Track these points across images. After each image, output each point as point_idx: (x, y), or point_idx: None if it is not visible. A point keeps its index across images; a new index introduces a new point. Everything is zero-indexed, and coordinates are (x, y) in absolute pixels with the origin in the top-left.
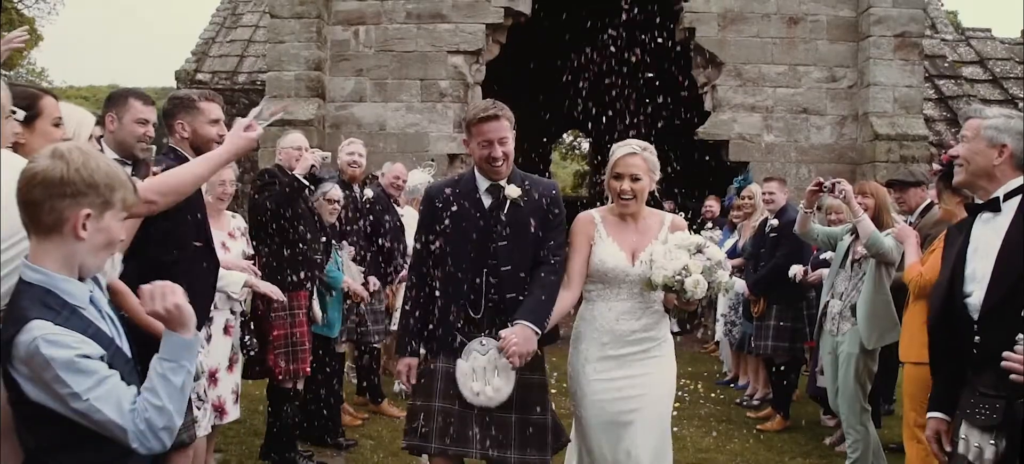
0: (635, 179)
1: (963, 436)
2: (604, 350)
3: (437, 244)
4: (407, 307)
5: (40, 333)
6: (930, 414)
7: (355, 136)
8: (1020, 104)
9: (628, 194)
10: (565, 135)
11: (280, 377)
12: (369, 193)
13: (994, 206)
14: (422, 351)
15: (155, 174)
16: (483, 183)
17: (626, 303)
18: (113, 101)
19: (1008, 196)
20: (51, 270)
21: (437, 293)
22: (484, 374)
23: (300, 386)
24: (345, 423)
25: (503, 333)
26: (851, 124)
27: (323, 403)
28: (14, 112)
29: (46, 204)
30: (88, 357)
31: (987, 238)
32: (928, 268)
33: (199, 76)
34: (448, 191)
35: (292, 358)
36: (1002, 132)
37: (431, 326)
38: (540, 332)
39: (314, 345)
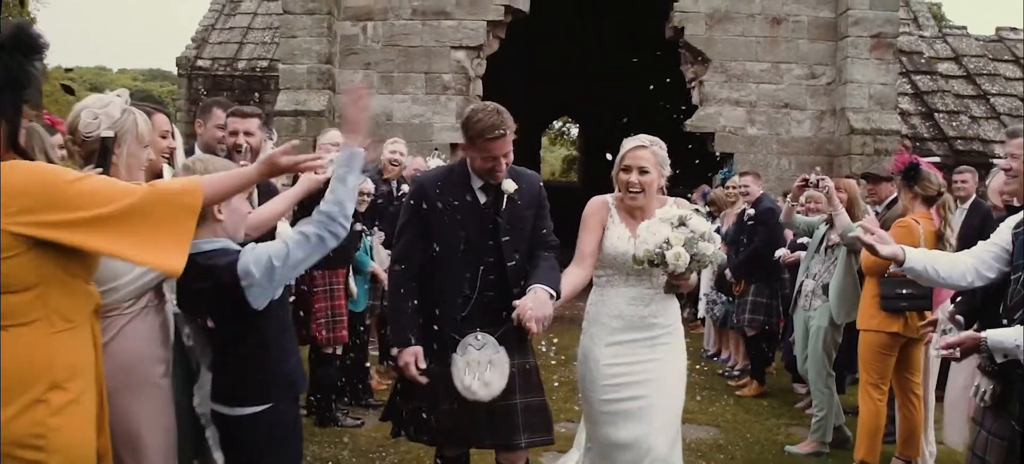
0: (643, 172)
1: (976, 383)
2: (614, 335)
3: (428, 239)
4: (399, 300)
5: (248, 251)
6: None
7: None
8: (991, 100)
9: (636, 187)
10: (554, 121)
11: (321, 344)
12: (406, 188)
13: None
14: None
15: None
16: (477, 180)
17: (635, 289)
18: (201, 110)
19: None
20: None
21: (431, 290)
22: (478, 368)
23: (339, 352)
24: (373, 387)
25: (517, 303)
26: (829, 119)
27: (355, 368)
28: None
29: None
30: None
31: None
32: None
33: (199, 62)
34: (440, 185)
35: (332, 327)
36: None
37: (423, 323)
38: (556, 295)
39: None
